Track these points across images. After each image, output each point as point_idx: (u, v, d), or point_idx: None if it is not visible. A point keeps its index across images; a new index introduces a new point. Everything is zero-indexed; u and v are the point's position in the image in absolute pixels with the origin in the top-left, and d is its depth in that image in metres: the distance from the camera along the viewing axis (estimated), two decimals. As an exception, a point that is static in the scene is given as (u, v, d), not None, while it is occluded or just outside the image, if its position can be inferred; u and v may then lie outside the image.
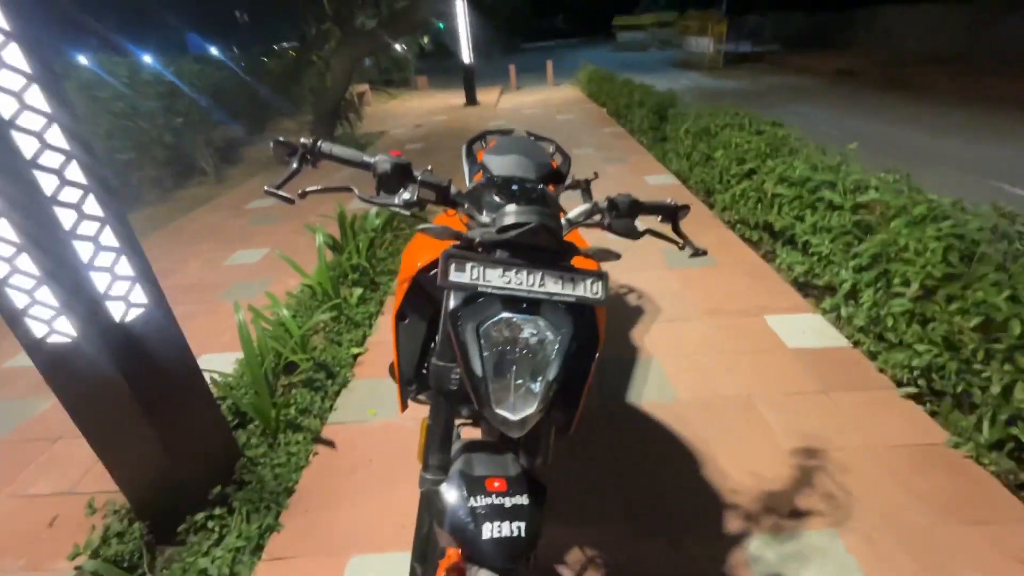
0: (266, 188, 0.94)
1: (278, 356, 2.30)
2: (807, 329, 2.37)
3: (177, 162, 6.19)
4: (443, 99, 12.71)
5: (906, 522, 1.48)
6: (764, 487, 1.63)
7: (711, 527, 1.52)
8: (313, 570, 1.49)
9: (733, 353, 2.27)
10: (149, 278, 1.42)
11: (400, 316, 1.13)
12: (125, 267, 1.36)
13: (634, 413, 1.99)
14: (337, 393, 2.25)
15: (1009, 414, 1.54)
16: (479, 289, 0.87)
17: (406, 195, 0.95)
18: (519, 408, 0.91)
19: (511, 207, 0.91)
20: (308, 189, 0.96)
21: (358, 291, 2.89)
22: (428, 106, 11.83)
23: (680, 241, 1.14)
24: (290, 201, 0.95)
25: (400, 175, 0.96)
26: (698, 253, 1.17)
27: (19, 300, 1.23)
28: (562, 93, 11.88)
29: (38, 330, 1.27)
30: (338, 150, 0.98)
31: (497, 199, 1.19)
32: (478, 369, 0.89)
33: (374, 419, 2.08)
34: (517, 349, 0.93)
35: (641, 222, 1.11)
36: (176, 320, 1.55)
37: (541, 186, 1.29)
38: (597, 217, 1.07)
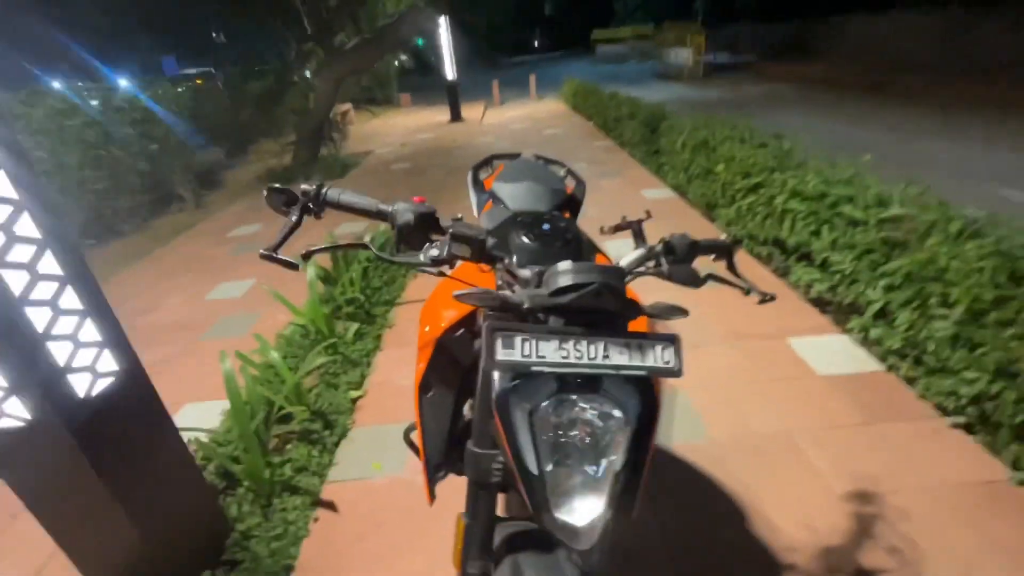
0: (262, 252, 0.77)
1: (270, 406, 2.09)
2: (836, 352, 2.23)
3: (154, 189, 5.94)
4: (427, 116, 12.61)
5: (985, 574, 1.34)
6: (822, 542, 1.47)
7: (770, 594, 1.35)
8: (320, 670, 1.29)
9: (763, 382, 2.12)
10: (119, 342, 1.23)
11: (423, 387, 0.95)
12: (91, 332, 1.17)
13: (666, 456, 1.83)
14: (336, 445, 2.05)
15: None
16: (533, 369, 0.71)
17: (434, 251, 0.78)
18: (583, 511, 0.74)
19: (565, 265, 0.75)
20: (313, 249, 0.78)
21: (354, 326, 2.70)
22: (412, 124, 11.71)
23: (744, 285, 0.99)
24: (293, 267, 0.77)
25: (425, 226, 0.80)
26: (766, 299, 1.02)
27: (-40, 381, 1.03)
28: (547, 107, 11.86)
29: (-16, 414, 1.07)
30: (348, 197, 0.81)
31: (527, 242, 1.02)
32: (532, 465, 0.72)
33: (379, 474, 1.88)
34: (576, 436, 0.76)
35: (699, 265, 0.96)
36: (152, 386, 1.35)
37: (574, 229, 1.14)
38: (651, 264, 0.92)
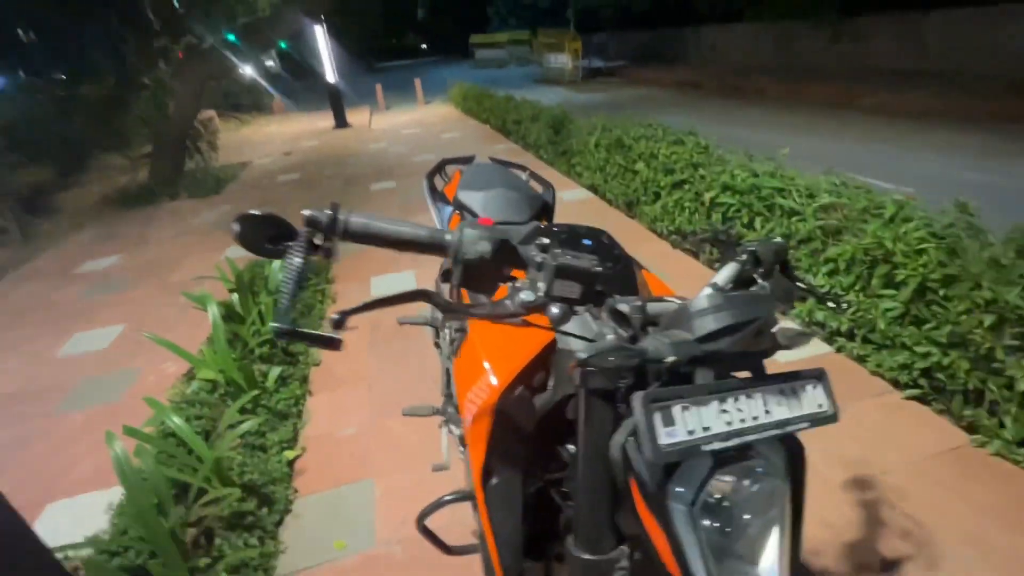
0: (273, 326, 0.47)
1: (182, 491, 1.63)
2: (787, 339, 2.31)
3: (-43, 221, 4.67)
4: (307, 123, 11.65)
5: (989, 543, 1.39)
6: (842, 539, 1.44)
7: (813, 608, 1.28)
8: None
9: (732, 378, 2.12)
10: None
11: (485, 474, 0.70)
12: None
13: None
14: (278, 524, 1.65)
15: (1032, 408, 1.54)
16: (704, 449, 0.51)
17: (525, 295, 0.54)
18: None
19: (711, 299, 0.56)
20: (349, 310, 0.49)
21: (275, 370, 2.25)
22: (292, 131, 10.73)
23: (825, 295, 0.87)
24: (334, 346, 0.49)
25: (502, 259, 0.55)
26: (843, 306, 0.91)
27: None
28: (436, 111, 11.57)
29: None
30: (385, 225, 0.54)
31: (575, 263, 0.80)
32: (700, 572, 0.52)
33: (346, 554, 1.53)
34: (736, 518, 0.58)
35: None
36: (6, 501, 0.91)
37: (618, 244, 0.95)
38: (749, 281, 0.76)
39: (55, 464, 2.00)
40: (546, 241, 0.57)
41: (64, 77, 9.09)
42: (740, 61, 13.71)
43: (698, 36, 15.74)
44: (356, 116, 11.30)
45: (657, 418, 0.49)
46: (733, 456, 0.57)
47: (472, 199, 1.45)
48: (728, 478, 0.57)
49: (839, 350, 2.20)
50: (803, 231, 2.29)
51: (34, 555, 0.99)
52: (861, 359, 2.10)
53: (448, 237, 0.54)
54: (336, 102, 10.23)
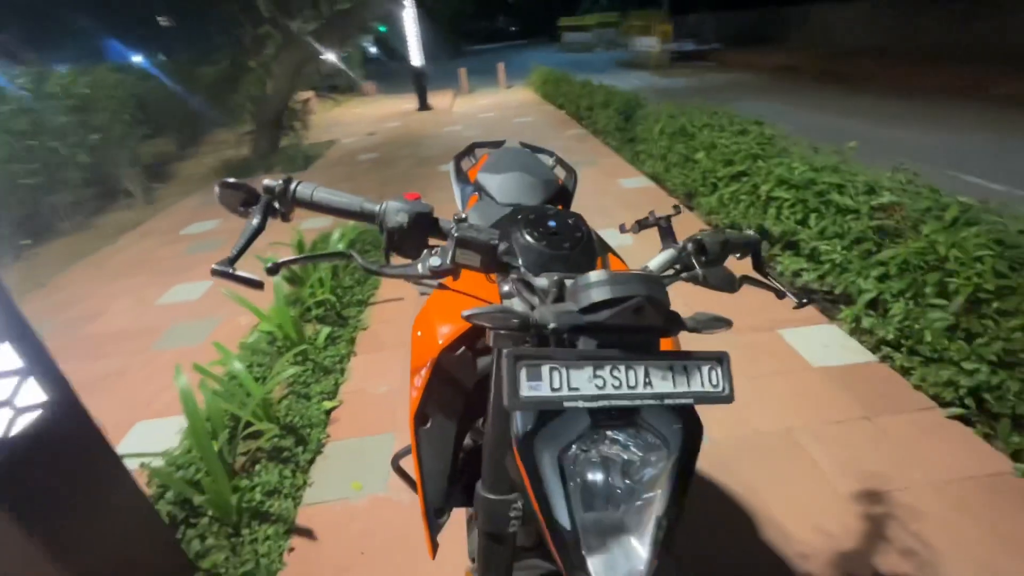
0: (214, 268, 0.61)
1: (234, 423, 1.90)
2: (828, 344, 2.19)
3: (97, 183, 5.49)
4: (393, 105, 12.21)
5: (1008, 573, 1.30)
6: (835, 546, 1.40)
7: (787, 607, 1.28)
8: None
9: (758, 377, 2.06)
10: (47, 368, 1.03)
11: (420, 418, 0.81)
12: (11, 358, 0.97)
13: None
14: (310, 463, 1.88)
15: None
16: (566, 405, 0.58)
17: (434, 260, 0.63)
18: (625, 565, 0.62)
19: (598, 275, 0.62)
20: (281, 262, 0.62)
21: (325, 330, 2.51)
22: (378, 112, 11.32)
23: (780, 287, 0.88)
24: (257, 286, 0.61)
25: (422, 229, 0.65)
26: (803, 302, 0.91)
27: None
28: (516, 95, 11.65)
29: None
30: (324, 195, 0.66)
31: (532, 243, 0.88)
32: (564, 519, 0.59)
33: (360, 495, 1.73)
34: (612, 478, 0.64)
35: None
36: (87, 414, 1.15)
37: (584, 226, 1.01)
38: (679, 267, 0.80)
39: (145, 391, 2.38)
40: (462, 215, 0.66)
41: (184, 59, 10.18)
42: (851, 43, 12.42)
43: (805, 15, 14.45)
44: (439, 99, 11.68)
45: (523, 372, 0.57)
46: (617, 420, 0.63)
47: (489, 181, 1.54)
48: (608, 441, 0.64)
49: (884, 359, 2.06)
50: (855, 230, 2.14)
51: (113, 468, 1.24)
52: (906, 371, 1.96)
53: (375, 208, 0.65)
54: (420, 85, 10.62)
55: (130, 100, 6.18)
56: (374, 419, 2.08)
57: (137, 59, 11.27)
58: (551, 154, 1.88)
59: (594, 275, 0.63)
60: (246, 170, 6.76)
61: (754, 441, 1.77)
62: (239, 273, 0.60)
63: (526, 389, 0.57)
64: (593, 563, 0.60)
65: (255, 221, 0.64)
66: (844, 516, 1.49)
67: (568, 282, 0.71)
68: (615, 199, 4.19)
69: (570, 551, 0.59)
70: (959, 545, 1.38)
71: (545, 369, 0.58)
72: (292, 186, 0.65)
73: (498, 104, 10.54)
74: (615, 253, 1.03)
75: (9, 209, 4.32)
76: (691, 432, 0.67)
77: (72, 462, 1.10)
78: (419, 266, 0.64)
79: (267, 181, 0.65)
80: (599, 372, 0.60)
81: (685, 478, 0.67)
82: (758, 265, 0.92)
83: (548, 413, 0.60)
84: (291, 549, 1.55)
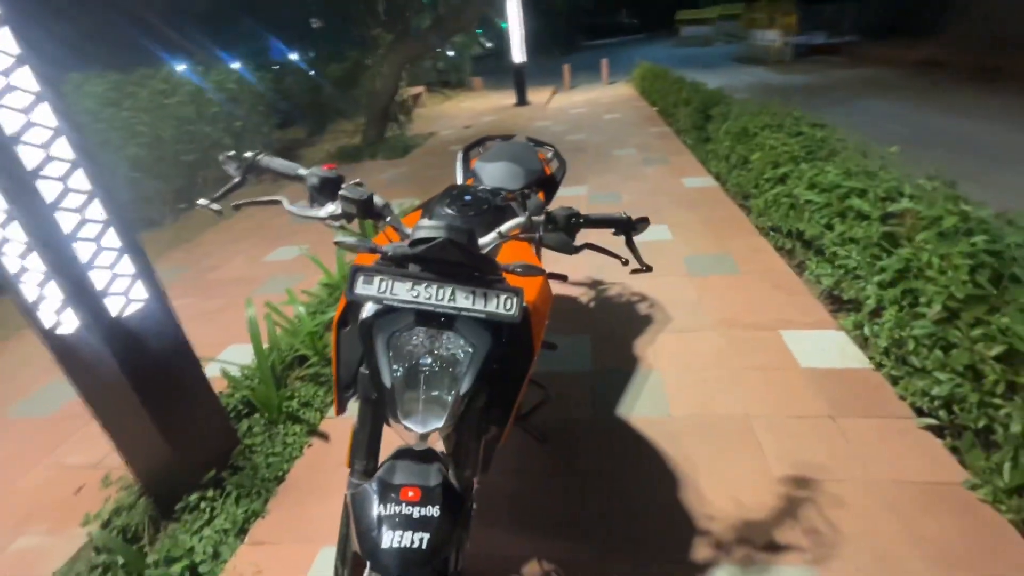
0: (199, 202, 1.01)
1: (290, 349, 2.43)
2: (827, 347, 2.20)
3: (238, 163, 6.66)
4: (496, 100, 12.83)
5: (901, 568, 1.35)
6: (743, 515, 1.53)
7: (680, 552, 1.45)
8: (286, 557, 1.57)
9: (740, 369, 2.15)
10: (148, 275, 1.55)
11: (341, 323, 1.17)
12: (126, 265, 1.49)
13: (624, 427, 1.94)
14: (340, 388, 2.35)
15: (1034, 457, 1.36)
16: (384, 302, 0.89)
17: (330, 207, 0.98)
18: (427, 421, 0.92)
19: (425, 221, 0.92)
20: (240, 202, 1.01)
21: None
22: (480, 107, 11.98)
23: (623, 257, 1.11)
24: (219, 213, 1.00)
25: (329, 188, 1.00)
26: (641, 270, 1.13)
27: (31, 294, 1.38)
28: (615, 92, 11.65)
29: (48, 321, 1.42)
30: (275, 163, 1.03)
31: (444, 211, 1.21)
32: (386, 380, 0.91)
33: (368, 416, 2.15)
34: (429, 363, 0.94)
35: (588, 236, 1.08)
36: (174, 313, 1.67)
37: (498, 199, 1.29)
38: (532, 230, 1.06)
39: (241, 324, 3.04)
40: (359, 181, 0.99)
41: (322, 56, 11.61)
42: (1010, 36, 10.59)
43: (957, 3, 12.54)
44: (539, 95, 12.06)
45: (360, 278, 0.89)
46: (438, 325, 0.93)
47: (482, 168, 1.86)
48: (427, 336, 0.93)
49: (879, 367, 2.04)
50: (866, 236, 2.12)
51: (188, 357, 1.77)
52: (894, 380, 1.94)
53: (302, 173, 1.01)
54: (519, 80, 11.07)
55: (265, 95, 7.32)
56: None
57: (293, 57, 13.00)
58: (551, 148, 2.15)
59: (423, 221, 0.93)
60: (355, 156, 7.68)
61: (709, 421, 1.90)
62: (212, 205, 1.00)
63: (359, 287, 0.89)
64: (404, 415, 0.91)
65: (236, 178, 1.04)
66: (765, 494, 1.60)
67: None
68: (672, 199, 4.24)
69: (388, 403, 0.91)
70: (866, 535, 1.44)
71: (376, 278, 0.90)
72: (257, 156, 1.03)
73: (594, 100, 10.65)
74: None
75: (173, 180, 5.47)
76: (498, 346, 0.95)
77: (162, 343, 1.62)
78: (321, 212, 0.99)
79: (247, 154, 1.04)
80: (416, 287, 0.90)
81: (512, 388, 0.95)
82: (629, 242, 1.15)
83: (385, 309, 0.92)
84: (309, 445, 2.02)
